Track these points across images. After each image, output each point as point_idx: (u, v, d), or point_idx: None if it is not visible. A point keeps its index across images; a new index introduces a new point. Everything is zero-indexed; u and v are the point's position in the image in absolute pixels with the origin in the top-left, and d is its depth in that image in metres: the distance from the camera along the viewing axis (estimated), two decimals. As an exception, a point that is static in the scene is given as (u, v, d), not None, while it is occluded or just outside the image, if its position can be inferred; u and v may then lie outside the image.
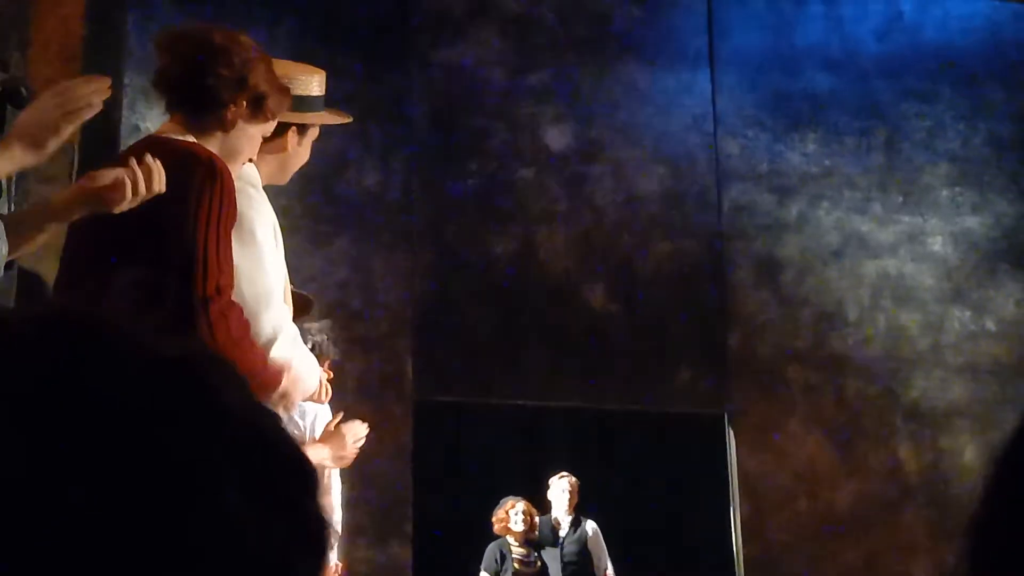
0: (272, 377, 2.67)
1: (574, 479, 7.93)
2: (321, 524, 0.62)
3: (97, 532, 0.53)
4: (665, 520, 8.88)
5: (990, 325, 8.17)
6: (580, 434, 8.91)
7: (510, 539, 7.69)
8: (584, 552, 7.80)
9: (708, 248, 8.08)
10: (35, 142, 2.34)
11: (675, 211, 8.10)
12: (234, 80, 2.71)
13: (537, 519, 7.78)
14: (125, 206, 2.44)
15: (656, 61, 8.25)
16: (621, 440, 8.88)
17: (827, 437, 7.82)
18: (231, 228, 2.64)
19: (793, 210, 8.23)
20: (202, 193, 2.58)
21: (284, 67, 3.12)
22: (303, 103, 3.11)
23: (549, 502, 7.95)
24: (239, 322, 2.60)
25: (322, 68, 3.29)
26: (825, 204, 8.27)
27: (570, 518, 7.88)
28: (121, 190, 2.41)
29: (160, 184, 2.47)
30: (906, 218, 8.30)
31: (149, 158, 2.48)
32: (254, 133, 2.81)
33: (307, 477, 0.62)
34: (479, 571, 7.61)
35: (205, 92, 2.71)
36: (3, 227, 2.47)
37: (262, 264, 2.75)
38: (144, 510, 0.54)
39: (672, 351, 7.85)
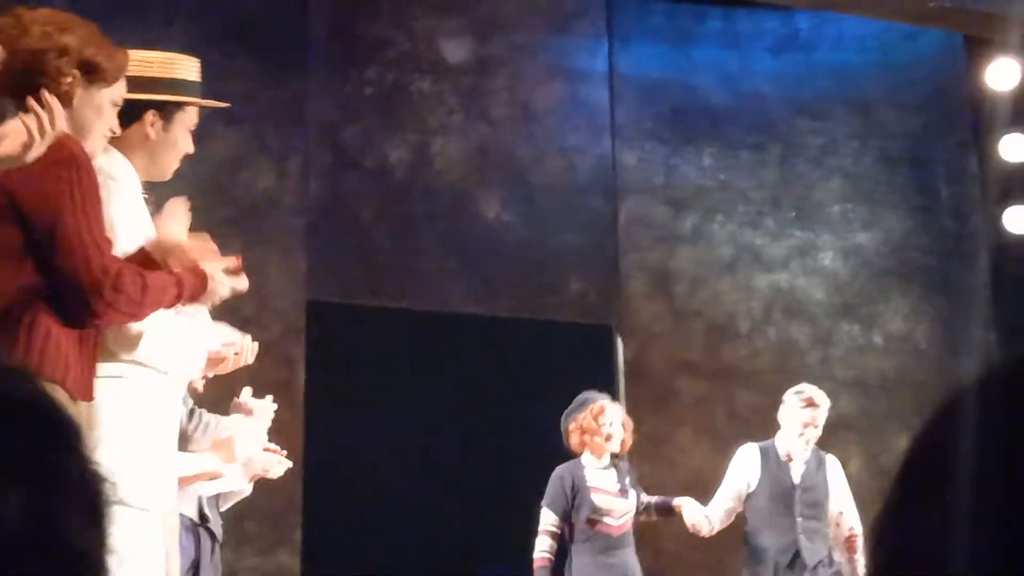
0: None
1: (820, 395, 5.83)
2: (88, 479, 0.57)
3: None
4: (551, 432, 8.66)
5: (878, 340, 8.33)
6: (471, 340, 8.66)
7: (589, 458, 5.65)
8: (825, 502, 5.71)
9: (600, 163, 8.22)
10: None
11: (569, 126, 8.23)
12: (50, 51, 2.65)
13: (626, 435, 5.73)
14: (34, 152, 2.42)
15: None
16: (511, 347, 8.62)
17: (716, 448, 7.90)
18: (98, 204, 2.62)
19: (688, 223, 8.31)
20: (59, 180, 2.55)
21: (137, 54, 3.06)
22: (160, 85, 3.03)
23: (778, 423, 5.88)
24: (134, 285, 2.60)
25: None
26: (719, 217, 8.36)
27: (809, 451, 5.76)
28: (27, 136, 2.40)
29: (62, 121, 2.48)
30: (798, 233, 8.43)
31: (46, 95, 2.48)
32: (100, 102, 2.74)
33: (63, 433, 0.57)
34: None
35: (28, 75, 2.62)
36: None
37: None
38: None
39: (563, 262, 7.99)
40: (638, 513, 5.77)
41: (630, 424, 5.78)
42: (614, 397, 7.48)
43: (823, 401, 5.79)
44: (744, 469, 5.82)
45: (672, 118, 8.42)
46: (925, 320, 8.40)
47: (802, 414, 5.73)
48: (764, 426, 7.97)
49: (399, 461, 8.05)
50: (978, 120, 8.64)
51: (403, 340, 8.25)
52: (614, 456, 5.71)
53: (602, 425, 5.62)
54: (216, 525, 4.24)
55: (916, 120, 8.76)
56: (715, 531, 5.84)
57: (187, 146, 3.12)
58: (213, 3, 7.54)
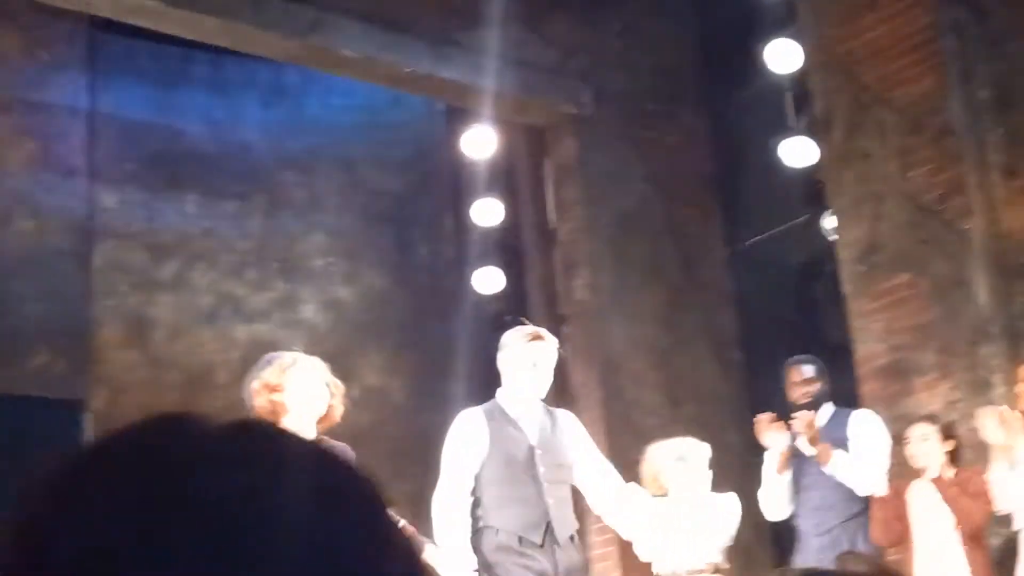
0: None
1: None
2: None
3: None
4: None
5: (355, 392, 8.44)
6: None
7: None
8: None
9: (73, 230, 7.77)
10: None
11: (42, 174, 7.72)
12: None
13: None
14: None
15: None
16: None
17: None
18: None
19: (168, 270, 8.09)
20: None
21: None
22: None
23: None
24: None
25: None
26: (201, 266, 8.21)
27: None
28: None
29: None
30: (280, 284, 8.44)
31: None
32: None
33: None
34: None
35: None
36: None
37: None
38: None
39: (29, 333, 7.43)
40: None
41: (341, 388, 4.47)
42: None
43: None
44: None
45: (155, 162, 8.19)
46: (400, 374, 8.66)
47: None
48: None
49: None
50: (456, 184, 9.09)
51: None
52: (323, 426, 4.36)
53: (292, 383, 4.29)
54: None
55: (398, 180, 9.07)
56: None
57: None
58: None
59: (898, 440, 5.46)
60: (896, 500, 5.27)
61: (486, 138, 8.24)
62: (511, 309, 8.54)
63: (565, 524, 4.47)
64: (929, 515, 5.19)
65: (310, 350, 8.34)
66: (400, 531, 0.63)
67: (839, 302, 6.95)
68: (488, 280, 8.56)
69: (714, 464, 5.28)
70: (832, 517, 5.42)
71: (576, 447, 4.63)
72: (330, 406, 4.35)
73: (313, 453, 0.64)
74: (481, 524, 4.46)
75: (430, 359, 8.70)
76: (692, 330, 7.95)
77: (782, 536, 6.31)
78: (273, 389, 4.31)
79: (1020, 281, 6.50)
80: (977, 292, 6.38)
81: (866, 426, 5.55)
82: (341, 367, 8.42)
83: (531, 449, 4.50)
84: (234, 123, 8.52)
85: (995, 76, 6.72)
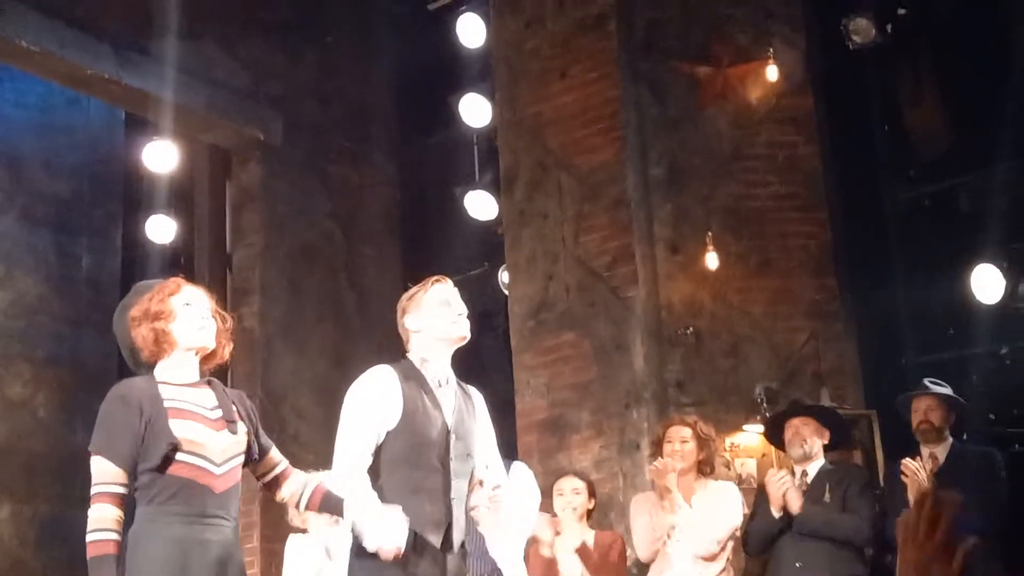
0: None
1: None
2: None
3: None
4: None
5: (-6, 404, 7.96)
6: None
7: (169, 366, 3.47)
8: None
9: None
10: None
11: None
12: None
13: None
14: None
15: None
16: None
17: None
18: None
19: None
20: None
21: None
22: None
23: None
24: None
25: None
26: None
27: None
28: None
29: None
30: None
31: None
32: None
33: None
34: None
35: None
36: None
37: None
38: None
39: None
40: (263, 474, 3.67)
41: (230, 322, 3.70)
42: None
43: None
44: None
45: None
46: (48, 388, 8.19)
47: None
48: None
49: None
50: (130, 196, 8.75)
51: None
52: (209, 365, 3.61)
53: (180, 310, 3.50)
54: None
55: (67, 185, 8.63)
56: None
57: None
58: None
59: (548, 493, 5.61)
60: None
61: (167, 153, 7.95)
62: (175, 331, 8.27)
63: (461, 528, 3.76)
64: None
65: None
66: None
67: (508, 355, 7.12)
68: (154, 299, 8.23)
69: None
70: (481, 565, 5.51)
71: (482, 435, 3.92)
72: (219, 342, 3.64)
73: None
74: None
75: (83, 375, 8.28)
76: (362, 369, 7.92)
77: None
78: (156, 317, 3.50)
79: (673, 351, 6.87)
80: (634, 358, 6.69)
81: (517, 478, 5.68)
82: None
83: (447, 433, 3.76)
84: None
85: (669, 155, 7.12)
